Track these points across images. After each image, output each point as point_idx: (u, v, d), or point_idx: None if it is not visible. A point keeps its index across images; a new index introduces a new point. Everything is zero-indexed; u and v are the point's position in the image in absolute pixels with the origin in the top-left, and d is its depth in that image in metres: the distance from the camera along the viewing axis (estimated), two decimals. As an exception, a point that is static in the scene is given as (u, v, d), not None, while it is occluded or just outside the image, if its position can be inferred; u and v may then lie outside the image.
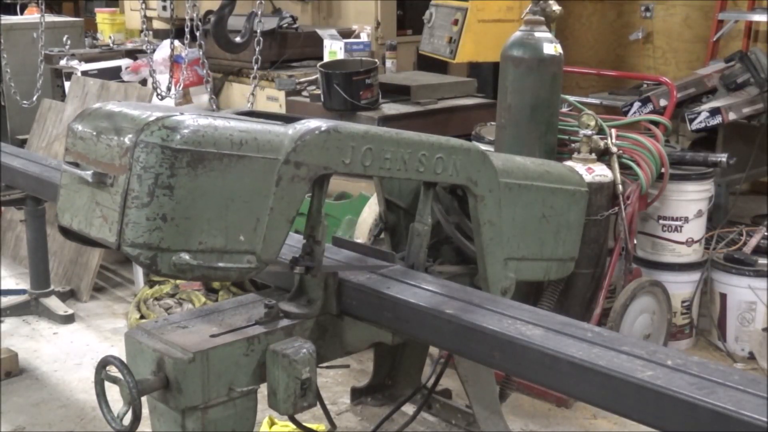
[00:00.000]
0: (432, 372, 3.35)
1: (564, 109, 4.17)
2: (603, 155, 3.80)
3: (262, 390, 2.22)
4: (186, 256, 2.02)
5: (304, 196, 2.19)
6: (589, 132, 3.76)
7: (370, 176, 2.53)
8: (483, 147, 3.67)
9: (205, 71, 4.78)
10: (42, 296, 4.69)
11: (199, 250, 2.04)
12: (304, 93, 5.17)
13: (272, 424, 3.28)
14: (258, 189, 2.09)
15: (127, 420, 2.07)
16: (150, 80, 5.14)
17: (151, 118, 2.02)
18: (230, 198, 2.06)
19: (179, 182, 1.99)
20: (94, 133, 2.12)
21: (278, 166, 2.11)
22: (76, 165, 2.16)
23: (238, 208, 2.07)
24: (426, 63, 5.74)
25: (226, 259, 2.09)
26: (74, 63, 6.33)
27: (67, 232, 2.25)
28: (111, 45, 6.91)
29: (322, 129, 2.19)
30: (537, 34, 3.67)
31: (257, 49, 4.29)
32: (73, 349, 4.32)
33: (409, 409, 3.36)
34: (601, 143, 3.78)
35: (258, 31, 4.29)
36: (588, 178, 3.52)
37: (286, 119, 2.32)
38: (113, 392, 2.13)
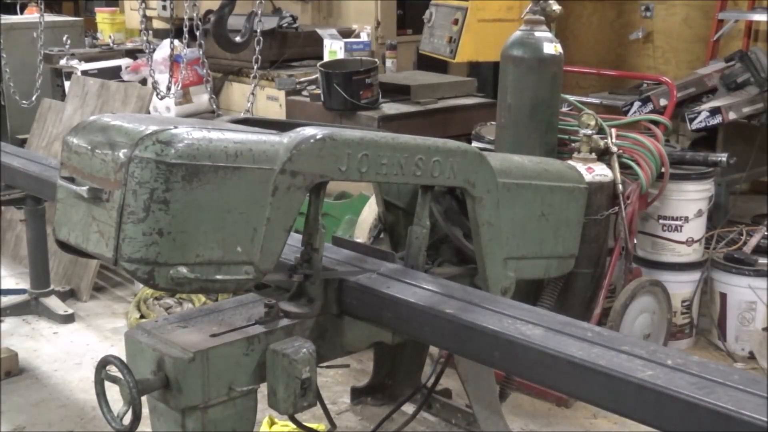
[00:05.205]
0: (432, 372, 3.35)
1: (564, 109, 4.16)
2: (603, 155, 3.80)
3: (262, 390, 2.21)
4: (183, 270, 2.01)
5: (301, 204, 2.18)
6: (589, 132, 3.76)
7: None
8: (483, 147, 3.69)
9: (205, 71, 4.79)
10: (42, 296, 4.69)
11: (196, 263, 2.03)
12: (304, 93, 5.17)
13: (272, 423, 3.28)
14: (254, 200, 2.08)
15: (127, 420, 2.07)
16: (150, 80, 5.13)
17: (146, 133, 2.01)
18: (227, 210, 2.05)
19: (175, 196, 1.98)
20: (89, 148, 2.11)
21: (274, 176, 2.10)
22: (72, 179, 2.15)
23: (234, 220, 2.06)
24: (426, 63, 5.73)
25: (224, 270, 2.08)
26: (74, 62, 6.33)
27: (64, 246, 2.24)
28: (111, 44, 6.91)
29: (318, 137, 2.17)
30: (537, 34, 3.67)
31: (257, 49, 4.29)
32: (73, 349, 4.32)
33: (409, 409, 3.36)
34: (601, 143, 3.78)
35: (258, 30, 4.28)
36: (588, 177, 3.52)
37: (282, 126, 2.31)
38: (113, 392, 2.13)
